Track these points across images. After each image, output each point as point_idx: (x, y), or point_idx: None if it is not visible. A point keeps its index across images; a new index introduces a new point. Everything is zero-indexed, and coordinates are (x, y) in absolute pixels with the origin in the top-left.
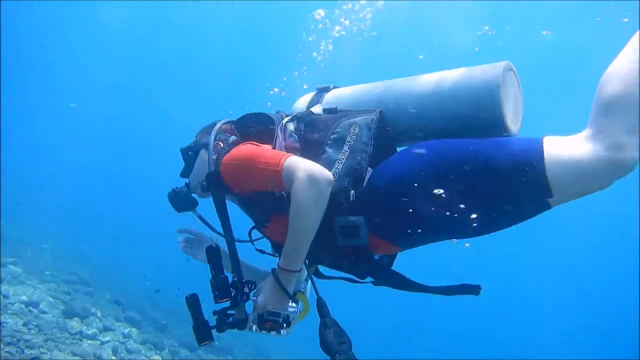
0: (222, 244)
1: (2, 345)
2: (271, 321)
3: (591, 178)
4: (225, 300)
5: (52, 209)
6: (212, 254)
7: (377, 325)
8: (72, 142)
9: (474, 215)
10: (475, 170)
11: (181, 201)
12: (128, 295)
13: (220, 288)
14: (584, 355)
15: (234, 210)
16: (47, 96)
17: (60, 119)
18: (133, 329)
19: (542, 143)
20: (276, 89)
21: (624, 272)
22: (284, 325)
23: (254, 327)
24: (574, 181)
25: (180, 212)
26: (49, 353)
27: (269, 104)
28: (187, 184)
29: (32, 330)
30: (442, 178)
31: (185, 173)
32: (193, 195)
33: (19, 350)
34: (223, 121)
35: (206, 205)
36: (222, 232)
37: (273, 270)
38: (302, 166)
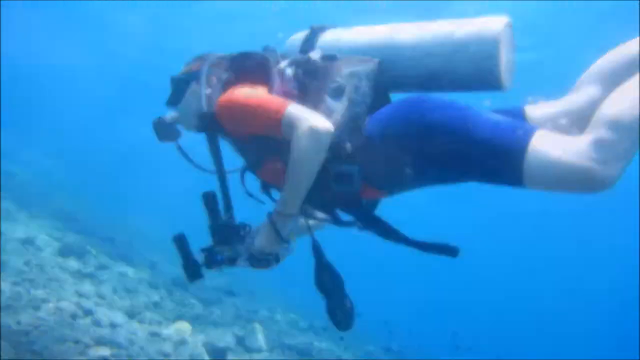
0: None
1: (9, 286)
2: (263, 260)
3: (564, 182)
4: (225, 245)
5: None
6: (209, 199)
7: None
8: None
9: (454, 173)
10: (461, 138)
11: (165, 131)
12: (117, 232)
13: (220, 233)
14: (583, 355)
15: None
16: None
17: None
18: (129, 268)
19: (532, 133)
20: None
21: (624, 271)
22: (274, 261)
23: (244, 264)
24: (547, 180)
25: (162, 142)
26: (55, 293)
27: None
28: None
29: (34, 270)
30: (430, 136)
31: (172, 102)
32: (177, 126)
33: (27, 290)
34: (216, 55)
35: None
36: (202, 166)
37: (269, 214)
38: (304, 116)
